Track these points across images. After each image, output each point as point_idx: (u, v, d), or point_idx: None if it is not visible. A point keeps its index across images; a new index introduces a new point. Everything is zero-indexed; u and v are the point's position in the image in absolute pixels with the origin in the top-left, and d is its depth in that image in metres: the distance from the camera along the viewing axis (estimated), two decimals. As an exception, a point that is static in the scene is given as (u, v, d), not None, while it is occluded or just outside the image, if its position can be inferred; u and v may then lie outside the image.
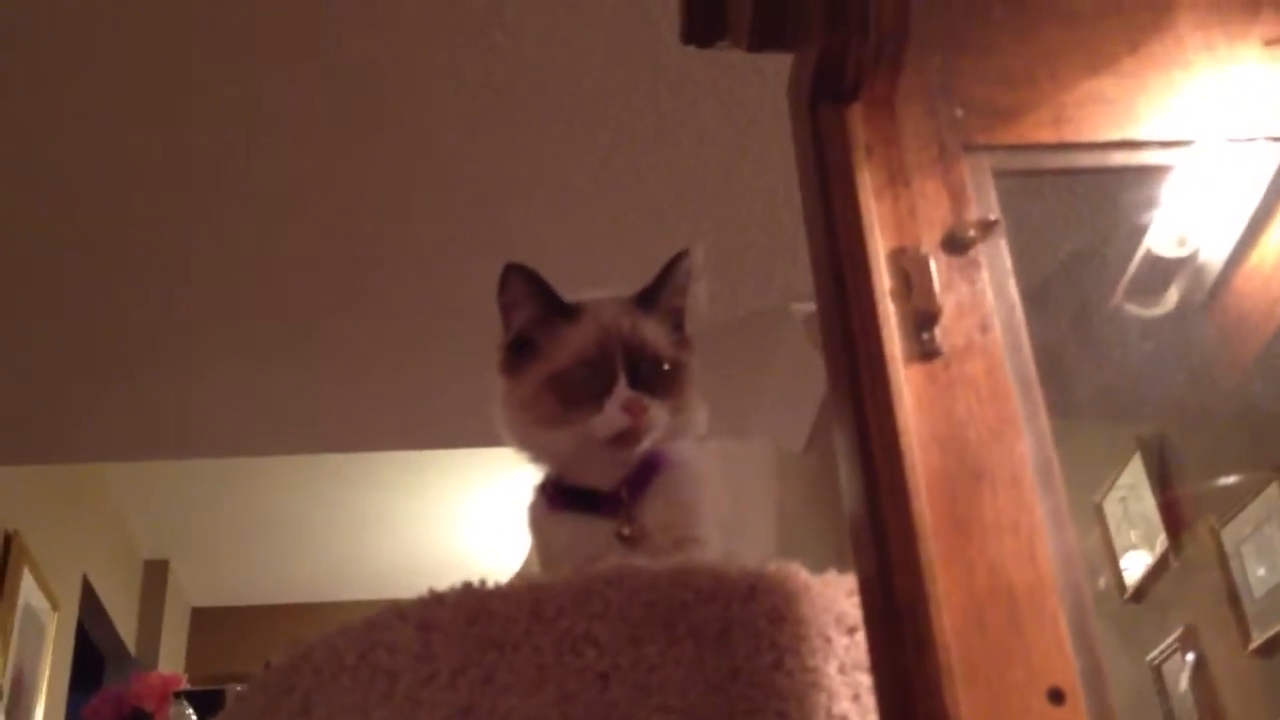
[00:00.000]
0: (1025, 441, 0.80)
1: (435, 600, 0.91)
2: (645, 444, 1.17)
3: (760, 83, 2.44)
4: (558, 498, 1.22)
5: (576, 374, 1.19)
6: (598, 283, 2.97)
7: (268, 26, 2.31)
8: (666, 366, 1.21)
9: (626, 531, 1.14)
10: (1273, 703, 2.80)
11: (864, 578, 0.78)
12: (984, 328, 0.83)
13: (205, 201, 2.79)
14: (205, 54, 2.37)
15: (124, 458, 4.41)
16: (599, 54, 2.39)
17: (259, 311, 3.23)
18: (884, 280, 0.82)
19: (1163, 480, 3.36)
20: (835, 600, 0.92)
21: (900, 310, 0.81)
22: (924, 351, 0.81)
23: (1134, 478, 3.45)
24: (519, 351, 1.24)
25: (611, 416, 1.16)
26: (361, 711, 0.88)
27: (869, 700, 0.87)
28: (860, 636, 0.90)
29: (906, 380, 0.79)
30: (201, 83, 2.43)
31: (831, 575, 0.94)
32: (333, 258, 3.02)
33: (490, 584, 0.92)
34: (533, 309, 1.22)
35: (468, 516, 5.51)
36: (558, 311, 1.22)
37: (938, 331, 0.82)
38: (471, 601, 0.90)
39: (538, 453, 1.23)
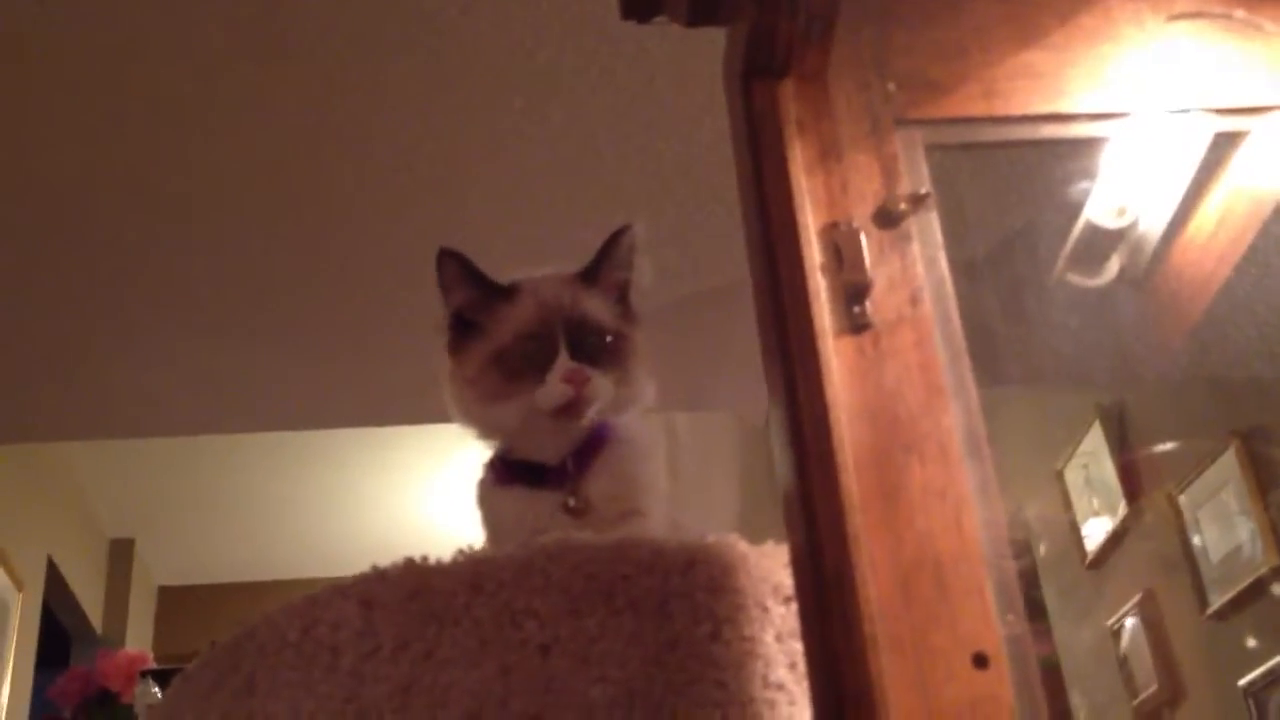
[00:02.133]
0: (953, 413, 0.81)
1: (377, 576, 0.92)
2: (590, 415, 1.18)
3: (714, 56, 2.43)
4: (504, 472, 1.23)
5: (517, 349, 1.20)
6: (556, 261, 2.97)
7: (218, 7, 2.30)
8: (609, 338, 1.22)
9: (572, 503, 1.15)
10: (1229, 665, 2.84)
11: (795, 549, 0.79)
12: (914, 300, 0.84)
13: (161, 184, 2.78)
14: (159, 36, 2.35)
15: (85, 437, 4.39)
16: (553, 29, 2.38)
17: (217, 290, 3.22)
18: (815, 255, 0.83)
19: (1122, 447, 3.40)
20: (773, 570, 0.93)
21: (831, 284, 0.82)
22: (855, 325, 0.82)
23: (1094, 445, 3.48)
24: (462, 332, 1.25)
25: (553, 388, 1.16)
26: (305, 687, 0.89)
27: (805, 668, 0.89)
28: (796, 606, 0.91)
29: (836, 353, 0.80)
30: (155, 66, 2.41)
31: (770, 546, 0.95)
32: (290, 235, 3.01)
33: (432, 560, 0.93)
34: (468, 291, 1.23)
35: (433, 492, 5.52)
36: (494, 292, 1.24)
37: (868, 305, 0.83)
38: (413, 577, 0.91)
39: (484, 428, 1.24)
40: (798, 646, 0.90)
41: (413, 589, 0.90)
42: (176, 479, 5.52)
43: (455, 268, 1.23)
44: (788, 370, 0.81)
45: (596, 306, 1.23)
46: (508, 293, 1.24)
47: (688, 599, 0.90)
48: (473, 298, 1.23)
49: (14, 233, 2.90)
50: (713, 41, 2.45)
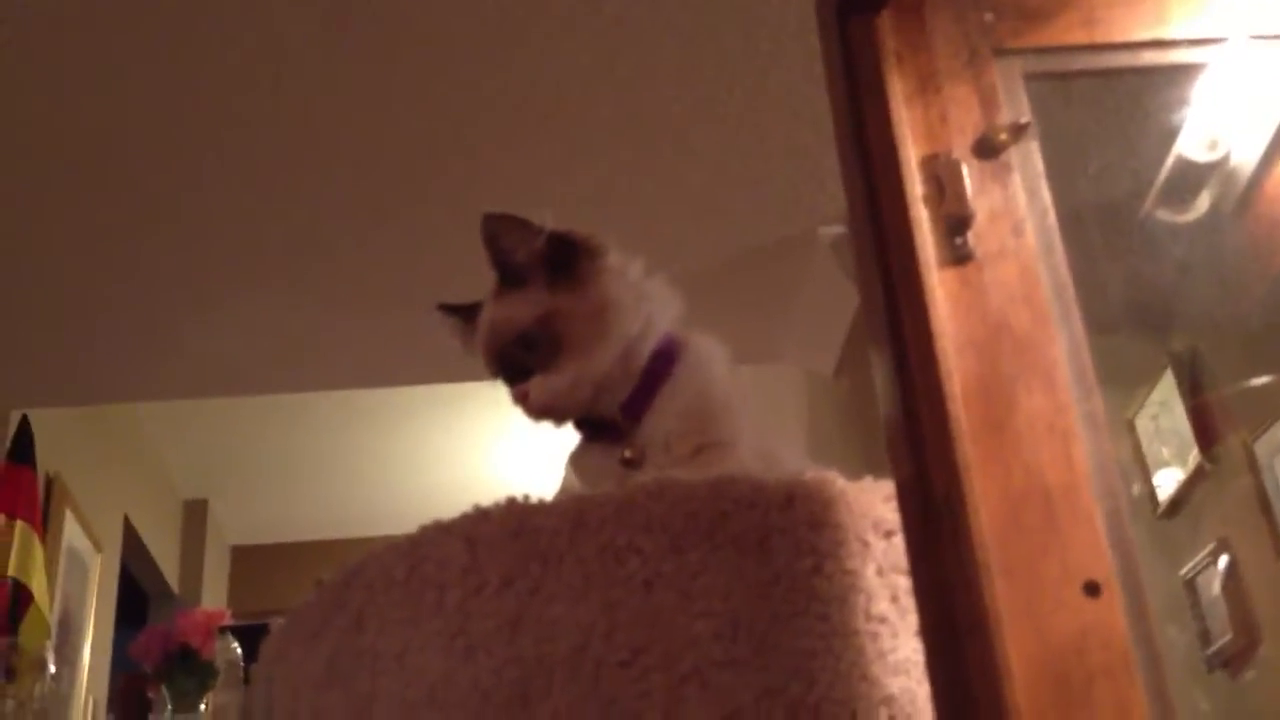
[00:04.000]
0: (1059, 344, 0.80)
1: (480, 516, 0.93)
2: (560, 408, 1.23)
3: (783, 5, 2.42)
4: (581, 432, 1.27)
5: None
6: (623, 216, 2.97)
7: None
8: (530, 338, 1.24)
9: (628, 455, 1.16)
10: (1308, 612, 2.80)
11: (901, 480, 0.79)
12: (1017, 232, 0.83)
13: (229, 145, 2.80)
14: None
15: (158, 398, 4.46)
16: (620, -21, 2.37)
17: (285, 249, 3.25)
18: (916, 186, 0.82)
19: (1194, 394, 3.35)
20: (872, 506, 0.93)
21: (933, 216, 0.82)
22: (957, 256, 0.81)
23: (1166, 394, 3.44)
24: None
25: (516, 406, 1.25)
26: (413, 623, 0.91)
27: (907, 601, 0.89)
28: (897, 540, 0.91)
29: (940, 285, 0.80)
30: (222, 25, 2.43)
31: (868, 482, 0.95)
32: (357, 193, 3.03)
33: (534, 499, 0.94)
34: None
35: (501, 448, 5.55)
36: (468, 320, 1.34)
37: (970, 236, 0.82)
38: (516, 515, 0.92)
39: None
40: (899, 580, 0.90)
41: (516, 527, 0.91)
42: (248, 440, 5.59)
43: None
44: (891, 302, 0.80)
45: (509, 315, 1.26)
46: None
47: (788, 534, 0.91)
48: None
49: (85, 198, 2.94)
50: (782, -10, 2.40)
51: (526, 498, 0.94)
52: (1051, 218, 0.85)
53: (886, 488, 0.93)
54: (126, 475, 5.21)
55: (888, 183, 0.82)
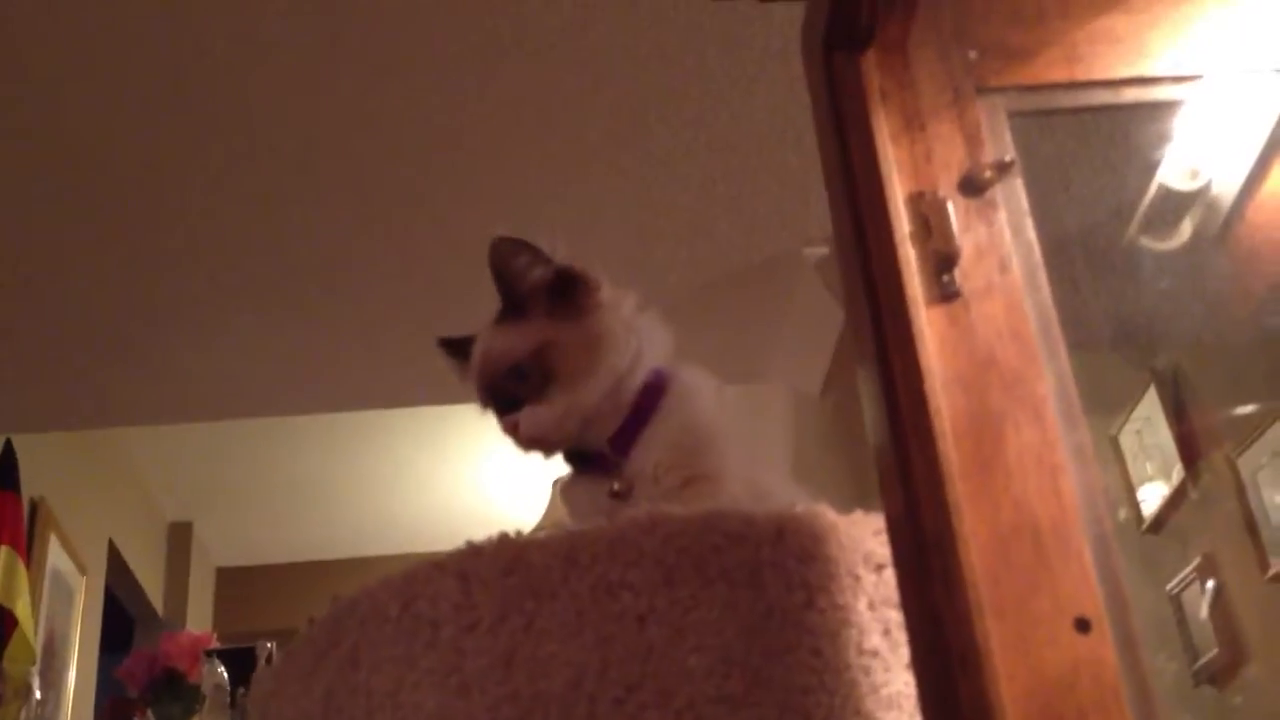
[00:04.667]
0: (1047, 379, 0.81)
1: (473, 552, 0.93)
2: (551, 440, 1.24)
3: (766, 28, 2.43)
4: (570, 464, 1.27)
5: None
6: (610, 236, 2.97)
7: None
8: (523, 369, 1.24)
9: (616, 487, 1.17)
10: (1293, 628, 2.82)
11: (892, 517, 0.80)
12: (1003, 268, 0.84)
13: (217, 164, 2.80)
14: (217, 14, 2.37)
15: (143, 422, 4.45)
16: (604, 5, 2.38)
17: (269, 273, 3.25)
18: (904, 224, 0.83)
19: (1178, 412, 3.36)
20: (862, 539, 0.94)
21: (920, 253, 0.83)
22: (944, 294, 0.82)
23: (1149, 410, 3.46)
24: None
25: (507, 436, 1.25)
26: (407, 661, 0.91)
27: (899, 635, 0.90)
28: (888, 574, 0.92)
29: (928, 322, 0.81)
30: (209, 38, 2.43)
31: (858, 515, 0.96)
32: (346, 216, 3.03)
33: (526, 534, 0.94)
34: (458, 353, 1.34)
35: (488, 470, 5.55)
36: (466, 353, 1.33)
37: (957, 273, 0.83)
38: (509, 552, 0.92)
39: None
40: (890, 614, 0.91)
41: (509, 563, 0.92)
42: (233, 462, 5.58)
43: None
44: (880, 340, 0.81)
45: (507, 345, 1.26)
46: (470, 351, 1.33)
47: (780, 568, 0.91)
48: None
49: (68, 218, 2.94)
50: (765, 13, 2.44)
51: (519, 533, 0.94)
52: (1037, 253, 0.86)
53: (876, 521, 0.94)
54: (111, 499, 5.19)
55: (875, 220, 0.83)
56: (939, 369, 0.80)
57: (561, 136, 2.75)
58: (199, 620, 5.98)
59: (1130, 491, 3.57)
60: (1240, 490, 3.06)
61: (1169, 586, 3.39)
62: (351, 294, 3.37)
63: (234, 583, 6.60)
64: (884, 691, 0.88)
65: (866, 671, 0.89)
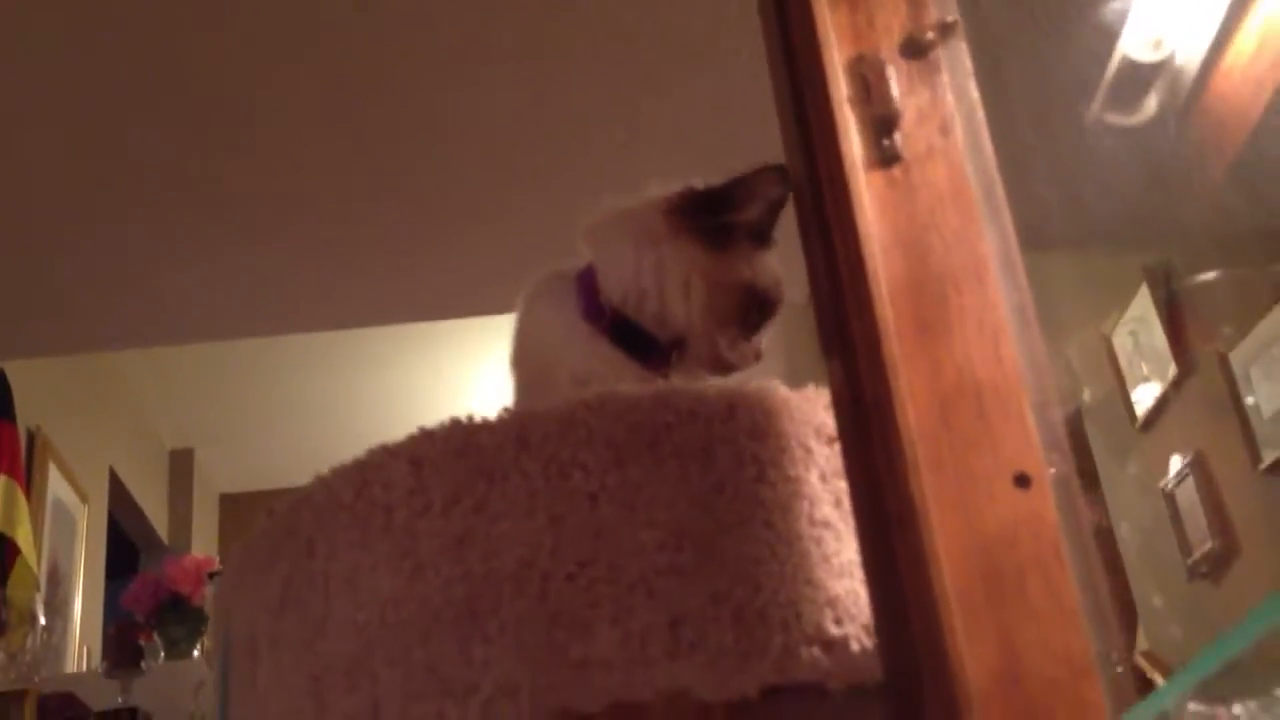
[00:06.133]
0: (988, 241, 0.81)
1: (425, 436, 0.94)
2: None
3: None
4: (608, 325, 1.19)
5: (759, 300, 1.20)
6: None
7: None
8: None
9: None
10: (1284, 521, 2.84)
11: (834, 382, 0.80)
12: (944, 131, 0.83)
13: (203, 90, 2.78)
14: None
15: (138, 345, 4.46)
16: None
17: (261, 191, 3.23)
18: (841, 88, 0.82)
19: (1170, 308, 3.37)
20: (814, 413, 0.94)
21: (859, 117, 0.82)
22: (885, 157, 0.81)
23: (1142, 308, 3.46)
24: (707, 225, 1.20)
25: (746, 353, 1.20)
26: (363, 546, 0.91)
27: (850, 505, 0.90)
28: (839, 446, 0.92)
29: (867, 186, 0.80)
30: None
31: (810, 390, 0.96)
32: (331, 134, 3.01)
33: (478, 418, 0.94)
34: (761, 214, 1.19)
35: (487, 384, 5.55)
36: (768, 232, 1.21)
37: (898, 137, 0.82)
38: (460, 435, 0.93)
39: (670, 310, 1.19)
40: (842, 485, 0.91)
41: (460, 446, 0.92)
42: (232, 387, 5.59)
43: (777, 192, 1.16)
44: (819, 205, 0.81)
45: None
46: (773, 242, 1.22)
47: (731, 444, 0.91)
48: (754, 225, 1.19)
49: (58, 144, 2.92)
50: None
51: (470, 417, 0.94)
52: (980, 116, 0.85)
53: (828, 395, 0.93)
54: (110, 427, 5.21)
55: (812, 86, 0.82)
56: (878, 233, 0.79)
57: (537, 67, 2.73)
58: (204, 547, 6.03)
59: (1124, 392, 3.58)
60: (1232, 385, 3.07)
61: (1163, 483, 3.41)
62: (341, 212, 3.36)
63: (238, 508, 6.65)
64: (835, 560, 0.88)
65: (818, 542, 0.89)
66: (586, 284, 1.21)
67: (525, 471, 0.90)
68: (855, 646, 0.86)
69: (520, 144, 3.08)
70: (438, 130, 2.99)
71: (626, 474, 0.90)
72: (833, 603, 0.87)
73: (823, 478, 0.92)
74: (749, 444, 0.91)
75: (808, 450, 0.92)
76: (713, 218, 1.19)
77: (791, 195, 0.96)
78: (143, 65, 2.68)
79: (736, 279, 1.19)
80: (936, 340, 0.77)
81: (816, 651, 0.86)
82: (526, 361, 1.25)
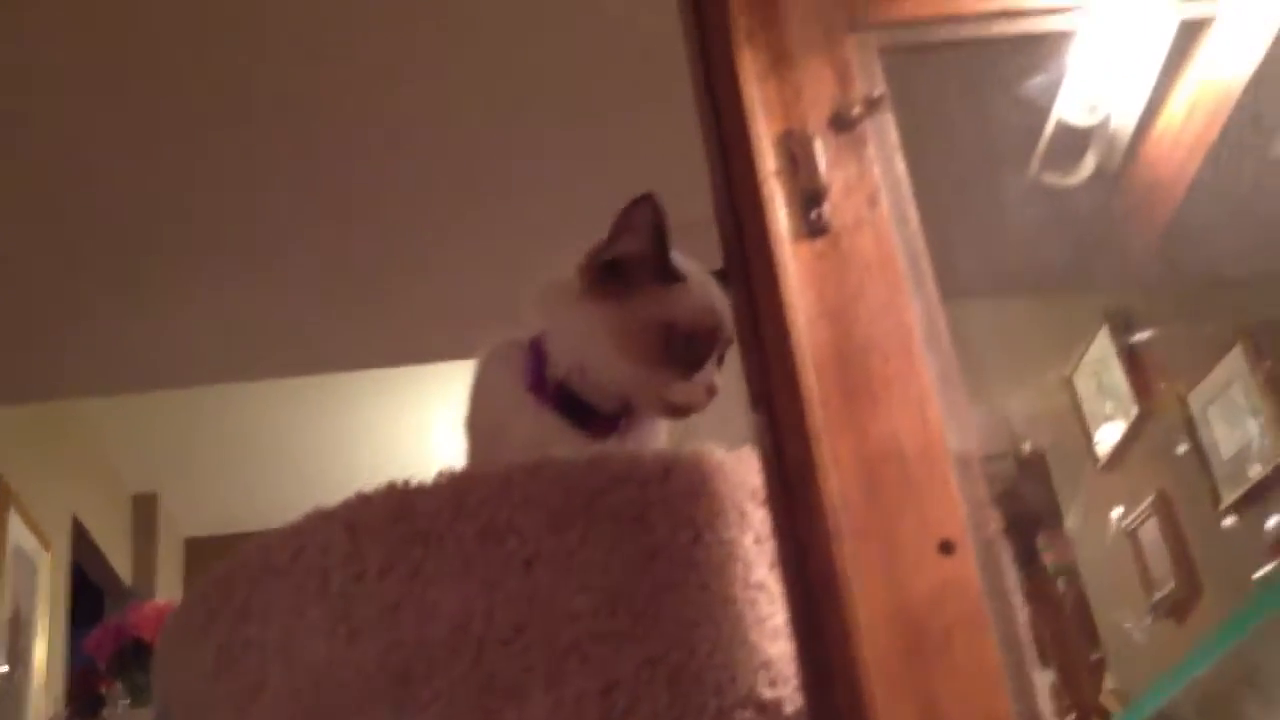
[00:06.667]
0: (914, 310, 0.82)
1: (362, 501, 0.94)
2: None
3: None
4: (550, 395, 1.19)
5: (683, 335, 1.17)
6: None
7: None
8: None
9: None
10: (1243, 560, 2.87)
11: (763, 449, 0.81)
12: (871, 202, 0.85)
13: (173, 134, 2.78)
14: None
15: (103, 393, 4.42)
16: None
17: (227, 237, 3.23)
18: (768, 162, 0.84)
19: (1130, 350, 3.41)
20: (749, 475, 0.95)
21: (787, 190, 0.83)
22: (812, 229, 0.83)
23: (1103, 350, 3.49)
24: (610, 275, 1.19)
25: (692, 392, 1.15)
26: (297, 611, 0.92)
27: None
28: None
29: (794, 257, 0.81)
30: (175, 19, 2.41)
31: (745, 451, 0.97)
32: (299, 179, 3.01)
33: (414, 482, 0.95)
34: (647, 245, 1.18)
35: (452, 430, 5.54)
36: (668, 265, 1.19)
37: (826, 209, 0.84)
38: (396, 499, 0.93)
39: (600, 372, 1.18)
40: (776, 547, 0.92)
41: (396, 511, 0.92)
42: (195, 432, 5.55)
43: (651, 218, 1.16)
44: (746, 276, 0.82)
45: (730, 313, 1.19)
46: (677, 274, 1.19)
47: (667, 506, 0.92)
48: (647, 257, 1.18)
49: (28, 186, 2.91)
50: None
51: (407, 481, 0.95)
52: (906, 188, 0.87)
53: (763, 457, 0.95)
54: (73, 472, 5.17)
55: (740, 160, 0.84)
56: (806, 303, 0.80)
57: (513, 103, 2.75)
58: (169, 591, 5.97)
59: (1087, 432, 3.61)
60: (1192, 426, 3.10)
61: (1126, 523, 3.44)
62: (306, 258, 3.35)
63: (203, 553, 6.58)
64: (769, 623, 0.89)
65: (752, 604, 0.90)
66: (535, 353, 1.21)
67: (460, 536, 0.91)
68: (789, 709, 0.87)
69: (478, 193, 3.10)
70: (399, 179, 3.00)
71: (562, 538, 0.90)
72: (767, 665, 0.88)
73: (758, 540, 0.93)
74: (684, 507, 0.92)
75: (743, 513, 0.93)
76: (600, 265, 1.19)
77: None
78: (103, 112, 2.68)
79: (649, 320, 1.17)
80: (862, 408, 0.79)
81: (750, 714, 0.86)
82: (478, 427, 1.25)
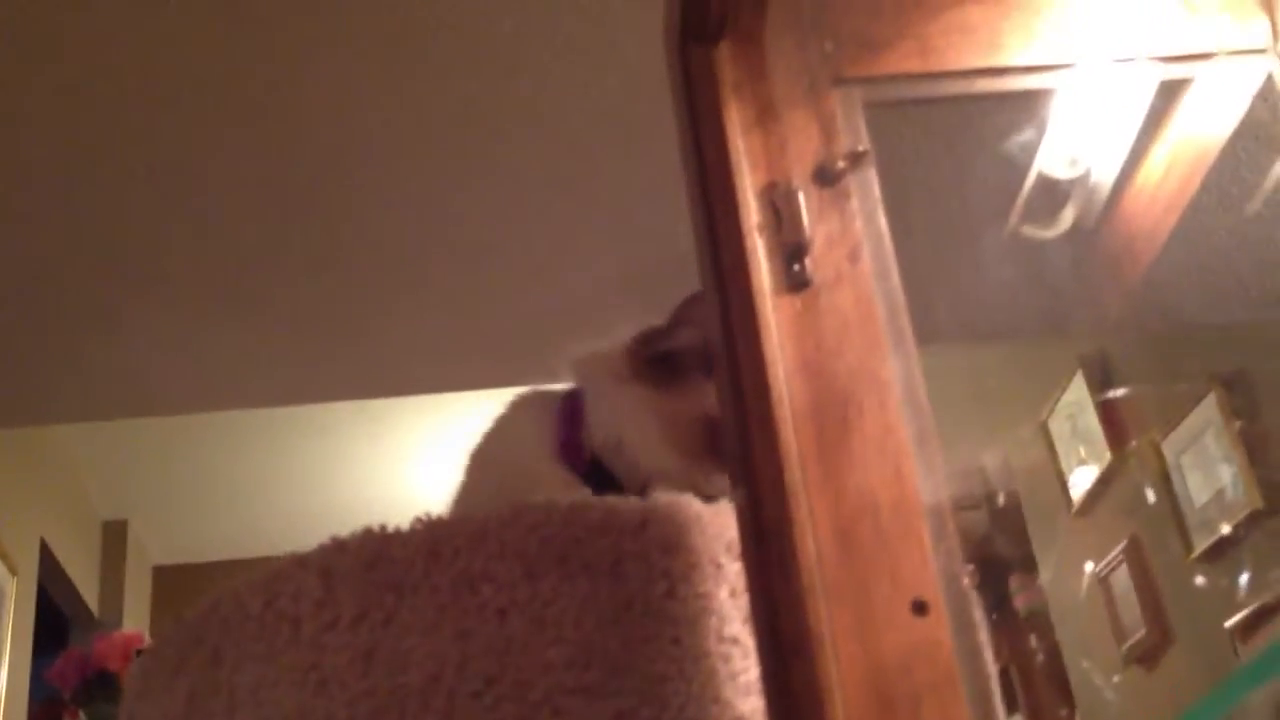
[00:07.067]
0: (891, 367, 0.82)
1: (336, 547, 0.93)
2: None
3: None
4: (586, 469, 1.19)
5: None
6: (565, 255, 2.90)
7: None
8: None
9: None
10: (1215, 608, 2.87)
11: (739, 504, 0.81)
12: (853, 258, 0.85)
13: (147, 163, 2.77)
14: (155, 25, 2.35)
15: (75, 420, 4.39)
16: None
17: (202, 267, 3.22)
18: (752, 215, 0.84)
19: (1105, 396, 3.42)
20: (726, 528, 0.95)
21: (769, 244, 0.84)
22: (794, 283, 0.83)
23: (1078, 395, 3.51)
24: (662, 364, 1.21)
25: (724, 486, 1.14)
26: (268, 659, 0.91)
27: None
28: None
29: (776, 311, 0.82)
30: (148, 53, 2.41)
31: (722, 504, 0.96)
32: (270, 208, 3.01)
33: (390, 528, 0.94)
34: (700, 340, 1.19)
35: (425, 462, 5.52)
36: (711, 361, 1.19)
37: (808, 262, 0.84)
38: (371, 546, 0.92)
39: (639, 453, 1.19)
40: (751, 601, 0.92)
41: (371, 558, 0.92)
42: (167, 459, 5.52)
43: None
44: (727, 328, 0.82)
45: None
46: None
47: (641, 559, 0.92)
48: (699, 351, 1.19)
49: (2, 216, 2.90)
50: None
51: (383, 527, 0.94)
52: (888, 243, 0.87)
53: (740, 509, 0.94)
54: (42, 496, 5.12)
55: (724, 212, 0.84)
56: (785, 357, 0.80)
57: (484, 137, 2.75)
58: (136, 619, 5.92)
59: (1060, 476, 3.62)
60: (1165, 473, 3.11)
61: (1098, 569, 3.44)
62: (281, 289, 3.34)
63: (172, 581, 6.53)
64: (743, 678, 0.89)
65: (726, 659, 0.89)
66: (569, 413, 1.22)
67: (435, 585, 0.90)
68: (761, 765, 0.87)
69: (454, 228, 3.10)
70: (379, 215, 3.00)
71: (536, 588, 0.90)
72: (739, 720, 0.88)
73: (732, 594, 0.92)
74: (660, 559, 0.92)
75: (718, 566, 0.93)
76: (654, 353, 1.20)
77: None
78: (78, 141, 2.68)
79: (692, 412, 1.18)
80: (839, 464, 0.79)
81: (722, 770, 0.86)
82: (491, 470, 1.24)
